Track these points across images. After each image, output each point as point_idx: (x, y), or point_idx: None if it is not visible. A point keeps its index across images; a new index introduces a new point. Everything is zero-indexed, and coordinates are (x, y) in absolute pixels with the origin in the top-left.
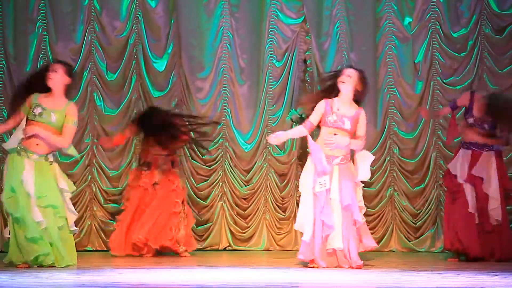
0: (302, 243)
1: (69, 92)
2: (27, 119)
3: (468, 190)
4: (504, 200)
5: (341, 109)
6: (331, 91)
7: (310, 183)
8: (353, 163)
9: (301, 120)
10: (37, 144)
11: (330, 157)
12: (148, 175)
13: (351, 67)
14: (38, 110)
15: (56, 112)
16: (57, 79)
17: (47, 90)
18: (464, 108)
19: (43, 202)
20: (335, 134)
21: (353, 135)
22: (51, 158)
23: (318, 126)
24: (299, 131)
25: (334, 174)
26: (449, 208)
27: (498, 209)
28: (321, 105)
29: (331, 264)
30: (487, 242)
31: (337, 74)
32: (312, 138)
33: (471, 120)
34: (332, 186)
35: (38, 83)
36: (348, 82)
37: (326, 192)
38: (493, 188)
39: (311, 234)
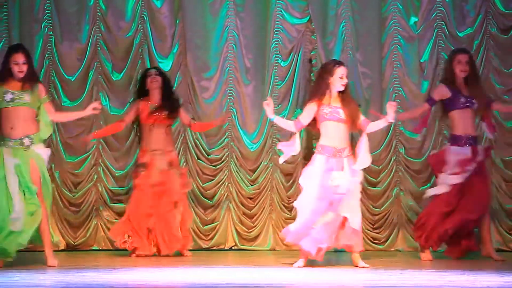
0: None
1: (33, 72)
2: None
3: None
4: None
5: (332, 102)
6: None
7: (316, 177)
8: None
9: None
10: (11, 128)
11: (340, 150)
12: (144, 176)
13: (343, 64)
14: (9, 96)
15: (27, 92)
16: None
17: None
18: (445, 100)
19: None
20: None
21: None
22: (27, 142)
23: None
24: (288, 125)
25: (345, 166)
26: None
27: None
28: (312, 105)
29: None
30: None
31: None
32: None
33: (463, 100)
34: (345, 177)
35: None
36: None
37: (334, 188)
38: None
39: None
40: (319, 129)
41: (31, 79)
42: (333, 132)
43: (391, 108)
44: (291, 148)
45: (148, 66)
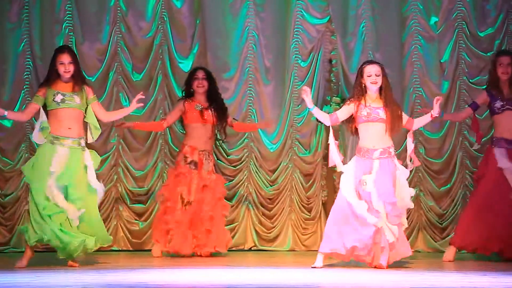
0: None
1: (79, 72)
2: (45, 109)
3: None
4: None
5: (372, 103)
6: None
7: (351, 181)
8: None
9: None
10: (69, 128)
11: (369, 151)
12: (197, 175)
13: (376, 62)
14: (59, 98)
15: (77, 94)
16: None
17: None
18: (487, 105)
19: (73, 195)
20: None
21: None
22: (82, 142)
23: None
24: (324, 117)
25: (374, 168)
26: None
27: None
28: (351, 105)
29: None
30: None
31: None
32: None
33: (498, 105)
34: (369, 179)
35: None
36: (379, 82)
37: (364, 192)
38: None
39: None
40: (353, 129)
41: (79, 80)
42: (370, 133)
43: (436, 102)
44: (336, 156)
45: (168, 67)
